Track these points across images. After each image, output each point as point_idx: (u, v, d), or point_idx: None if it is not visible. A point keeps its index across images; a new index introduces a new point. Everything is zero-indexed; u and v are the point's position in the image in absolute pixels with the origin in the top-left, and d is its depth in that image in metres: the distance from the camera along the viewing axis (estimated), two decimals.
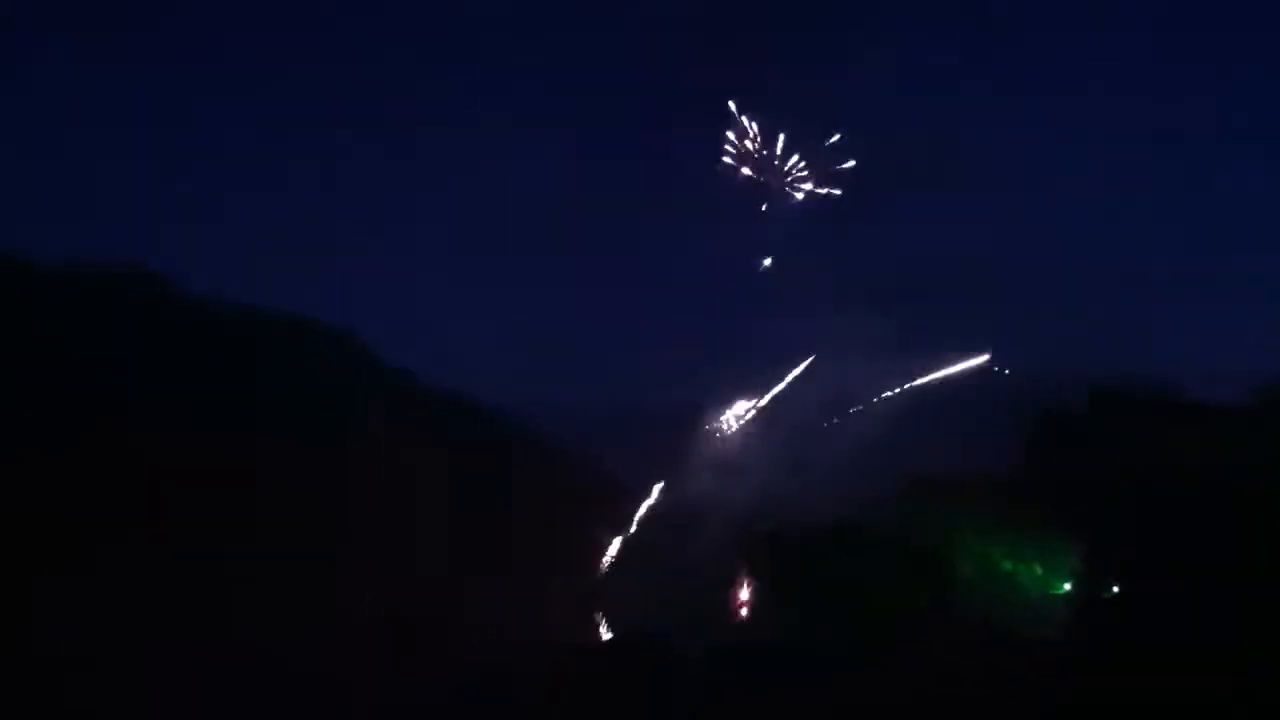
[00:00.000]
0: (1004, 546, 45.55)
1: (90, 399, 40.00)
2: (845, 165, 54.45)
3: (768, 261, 56.01)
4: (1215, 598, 35.75)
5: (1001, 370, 52.41)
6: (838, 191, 54.68)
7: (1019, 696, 35.95)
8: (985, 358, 52.25)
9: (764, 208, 55.94)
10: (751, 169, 55.42)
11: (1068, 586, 43.65)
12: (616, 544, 49.17)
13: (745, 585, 45.28)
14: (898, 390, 47.52)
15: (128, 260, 47.68)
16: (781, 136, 56.26)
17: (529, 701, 38.27)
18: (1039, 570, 44.80)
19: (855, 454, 49.83)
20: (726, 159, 55.24)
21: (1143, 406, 46.97)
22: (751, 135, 55.41)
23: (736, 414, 52.42)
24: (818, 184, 53.79)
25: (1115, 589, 41.46)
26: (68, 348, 41.37)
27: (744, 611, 45.15)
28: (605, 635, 44.21)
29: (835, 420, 50.33)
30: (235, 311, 46.88)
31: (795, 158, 56.51)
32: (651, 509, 50.42)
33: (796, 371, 53.73)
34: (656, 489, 51.50)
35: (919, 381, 47.02)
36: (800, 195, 54.51)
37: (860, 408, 48.89)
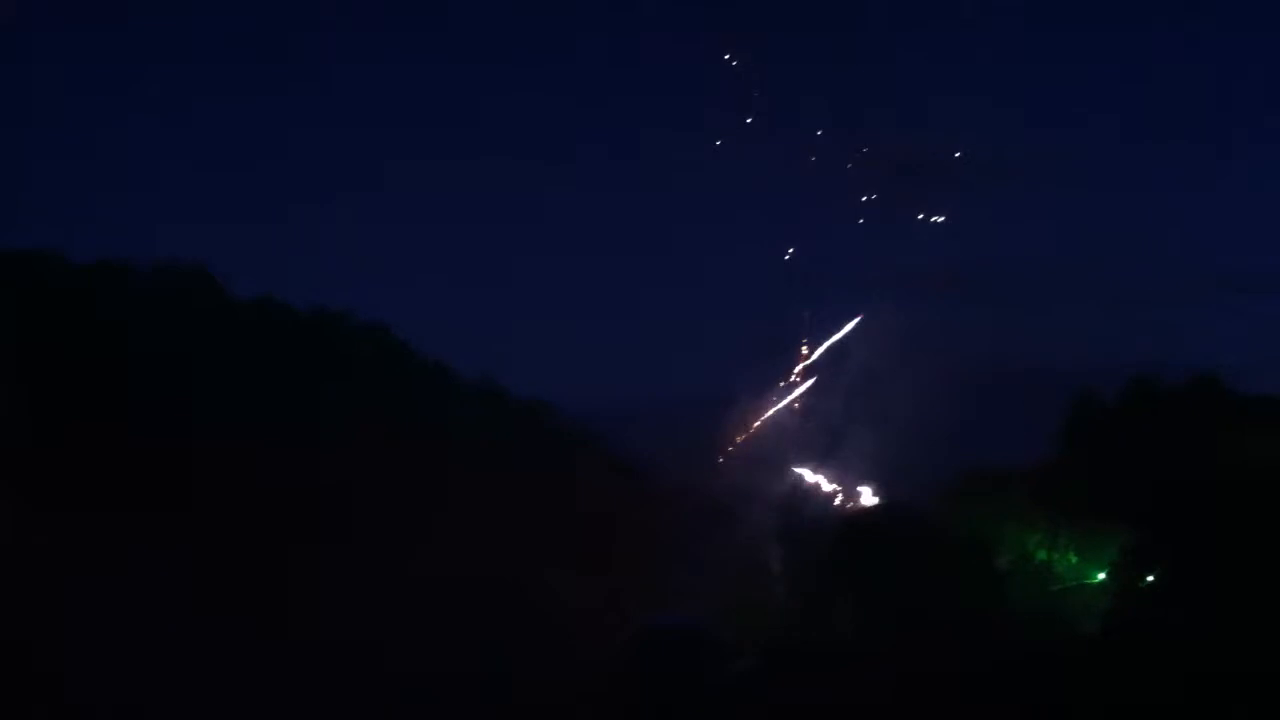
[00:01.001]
0: (1040, 535, 45.53)
1: (131, 398, 40.69)
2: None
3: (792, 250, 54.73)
4: (1250, 588, 35.51)
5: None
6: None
7: (1053, 684, 35.80)
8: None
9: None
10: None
11: (1102, 576, 43.49)
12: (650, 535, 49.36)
13: (782, 576, 45.27)
14: (932, 380, 47.15)
15: (170, 258, 48.40)
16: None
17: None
18: (1074, 559, 44.70)
19: (890, 444, 49.69)
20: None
21: (1181, 397, 46.69)
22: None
23: (771, 404, 52.16)
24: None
25: (1150, 578, 41.28)
26: (113, 349, 42.10)
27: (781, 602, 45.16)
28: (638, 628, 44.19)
29: (868, 410, 50.09)
30: (264, 308, 47.48)
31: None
32: (684, 499, 50.59)
33: (833, 341, 52.70)
34: (690, 478, 51.70)
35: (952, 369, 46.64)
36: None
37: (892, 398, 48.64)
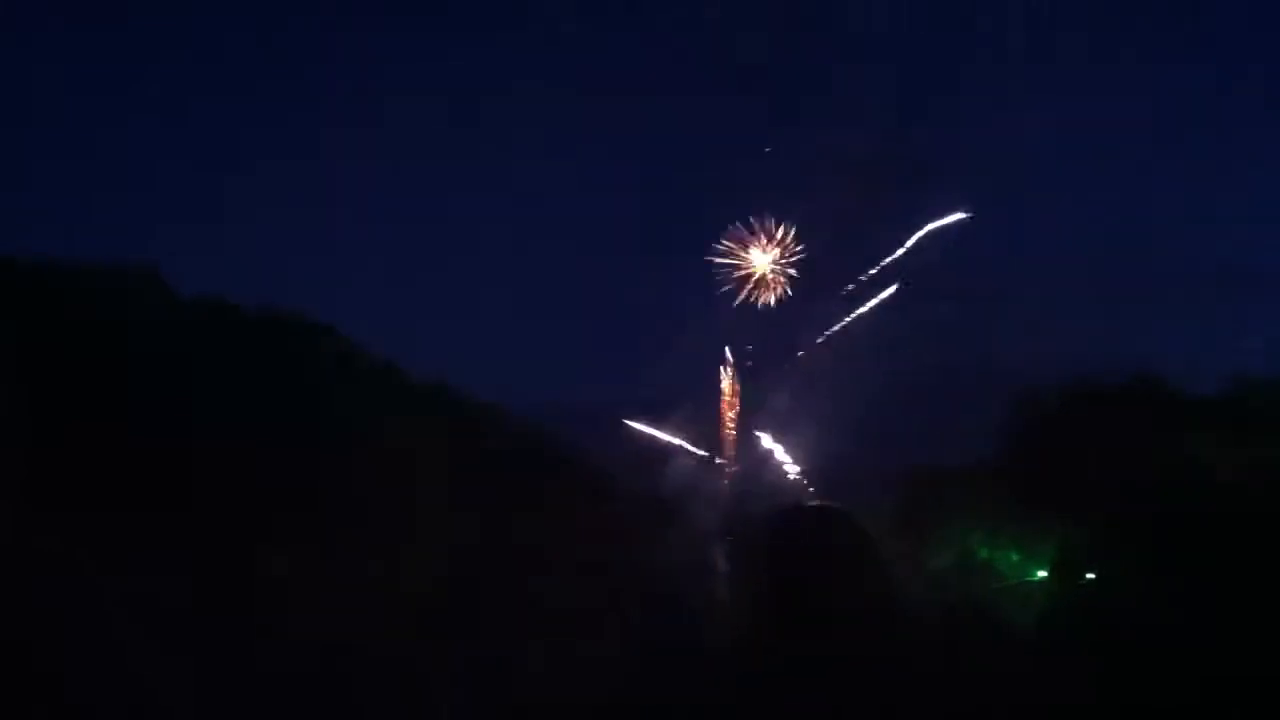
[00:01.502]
0: (982, 534, 46.29)
1: (85, 399, 40.36)
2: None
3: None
4: (1189, 585, 36.34)
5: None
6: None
7: (993, 682, 36.47)
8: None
9: None
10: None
11: (1043, 574, 44.27)
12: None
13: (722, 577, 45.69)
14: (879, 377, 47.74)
15: (122, 258, 47.91)
16: None
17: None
18: (1015, 557, 45.48)
19: (833, 443, 50.21)
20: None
21: (1122, 397, 47.51)
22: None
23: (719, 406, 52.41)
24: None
25: (1090, 576, 42.14)
26: (64, 348, 41.71)
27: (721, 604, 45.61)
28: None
29: (815, 408, 50.55)
30: (210, 306, 47.20)
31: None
32: (637, 498, 51.02)
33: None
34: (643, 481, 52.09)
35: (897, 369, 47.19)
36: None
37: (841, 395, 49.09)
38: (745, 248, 53.49)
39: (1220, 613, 35.18)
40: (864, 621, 38.49)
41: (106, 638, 33.80)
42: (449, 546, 43.75)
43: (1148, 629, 36.23)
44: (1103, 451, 43.72)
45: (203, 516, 38.74)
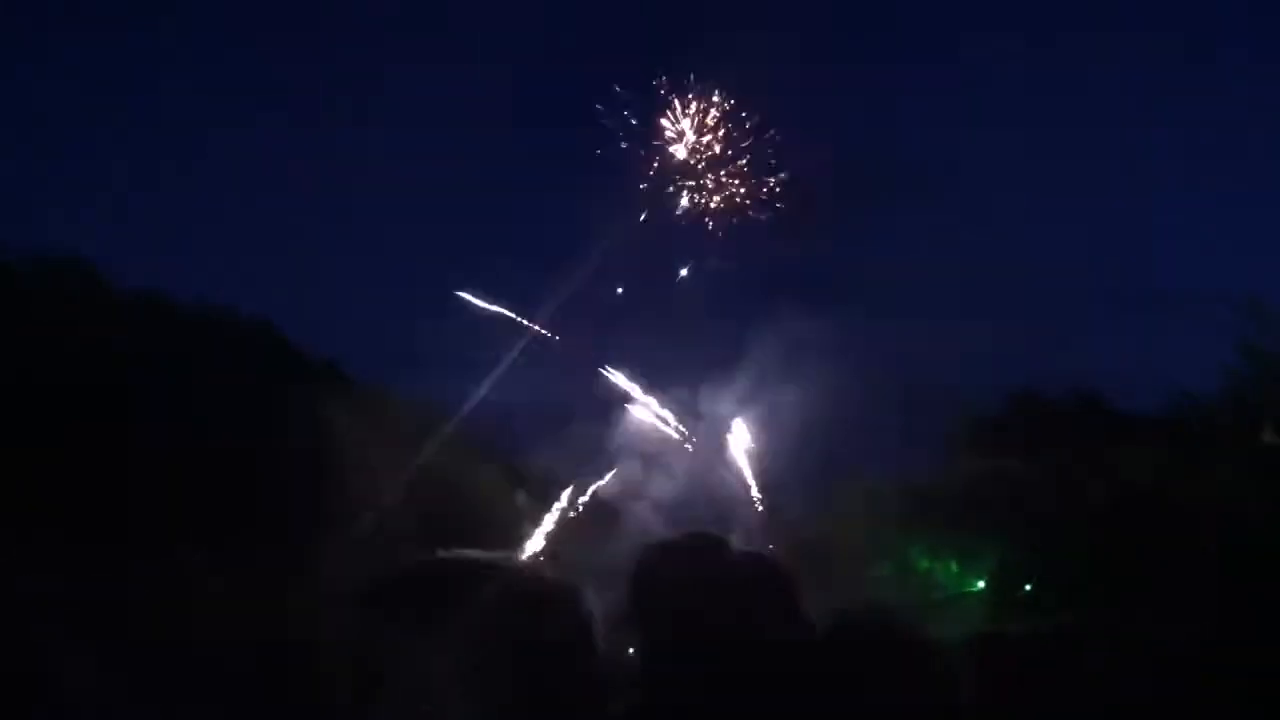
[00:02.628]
0: (922, 545, 46.56)
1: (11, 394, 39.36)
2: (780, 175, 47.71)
3: (684, 271, 50.87)
4: (1126, 597, 36.67)
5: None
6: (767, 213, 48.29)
7: (930, 691, 36.39)
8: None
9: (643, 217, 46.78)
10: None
11: (981, 584, 44.60)
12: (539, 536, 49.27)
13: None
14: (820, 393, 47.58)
15: (46, 251, 46.69)
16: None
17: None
18: (955, 568, 45.81)
19: (773, 455, 50.17)
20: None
21: (1061, 413, 48.18)
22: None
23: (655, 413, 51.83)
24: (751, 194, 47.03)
25: (1028, 587, 42.47)
26: None
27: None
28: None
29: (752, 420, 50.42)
30: (147, 303, 46.18)
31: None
32: (573, 502, 50.53)
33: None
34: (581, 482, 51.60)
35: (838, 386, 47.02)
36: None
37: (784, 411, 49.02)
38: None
39: (1156, 624, 35.42)
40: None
41: (21, 638, 32.67)
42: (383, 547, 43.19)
43: (1080, 640, 36.38)
44: (1042, 465, 44.30)
45: (129, 514, 37.90)
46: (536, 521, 51.61)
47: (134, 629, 35.27)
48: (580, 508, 51.16)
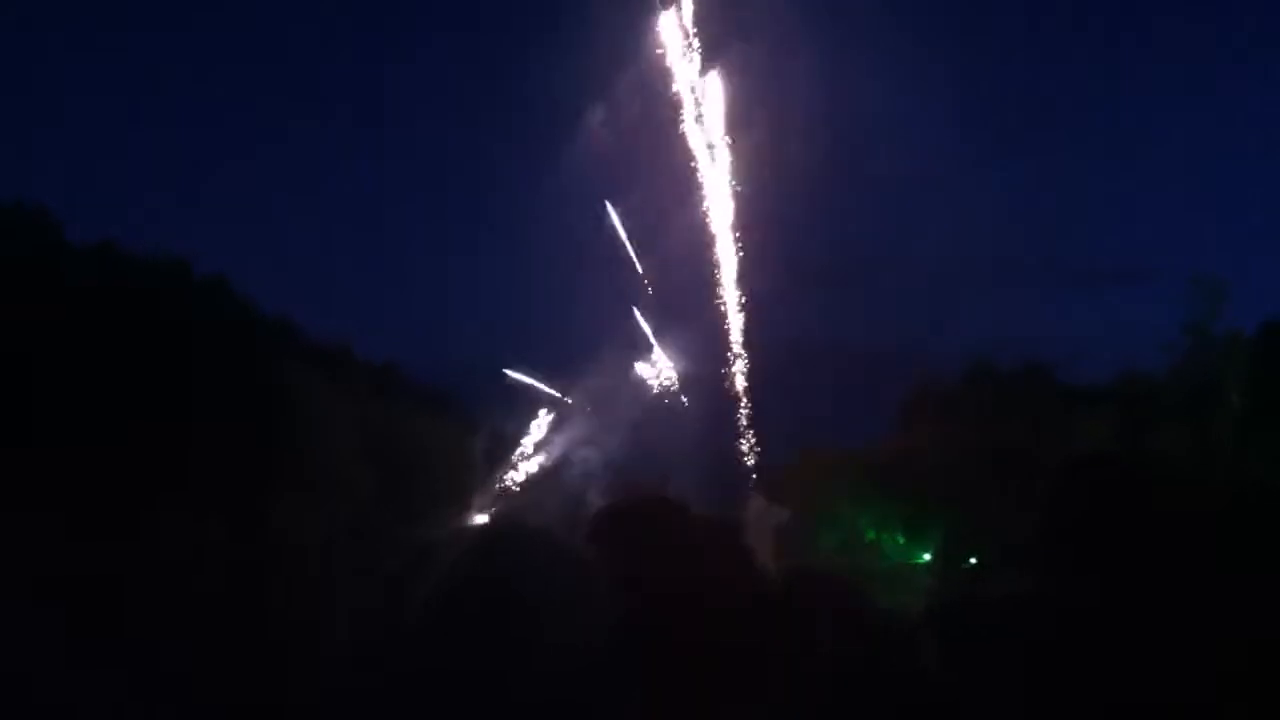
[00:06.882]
0: (871, 516, 47.06)
1: None
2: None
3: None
4: (1071, 569, 37.29)
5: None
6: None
7: (875, 661, 37.09)
8: None
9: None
10: None
11: (928, 556, 45.22)
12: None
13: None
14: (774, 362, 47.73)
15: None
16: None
17: None
18: (901, 540, 46.39)
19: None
20: None
21: (1012, 385, 48.59)
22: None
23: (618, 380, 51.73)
24: None
25: (973, 560, 43.14)
26: None
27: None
28: None
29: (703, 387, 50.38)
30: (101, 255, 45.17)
31: None
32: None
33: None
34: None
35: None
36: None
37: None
38: None
39: (1103, 597, 36.07)
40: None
41: None
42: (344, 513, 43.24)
43: (1027, 613, 37.05)
44: (990, 435, 44.75)
45: (86, 470, 37.43)
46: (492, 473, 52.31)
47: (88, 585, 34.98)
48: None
